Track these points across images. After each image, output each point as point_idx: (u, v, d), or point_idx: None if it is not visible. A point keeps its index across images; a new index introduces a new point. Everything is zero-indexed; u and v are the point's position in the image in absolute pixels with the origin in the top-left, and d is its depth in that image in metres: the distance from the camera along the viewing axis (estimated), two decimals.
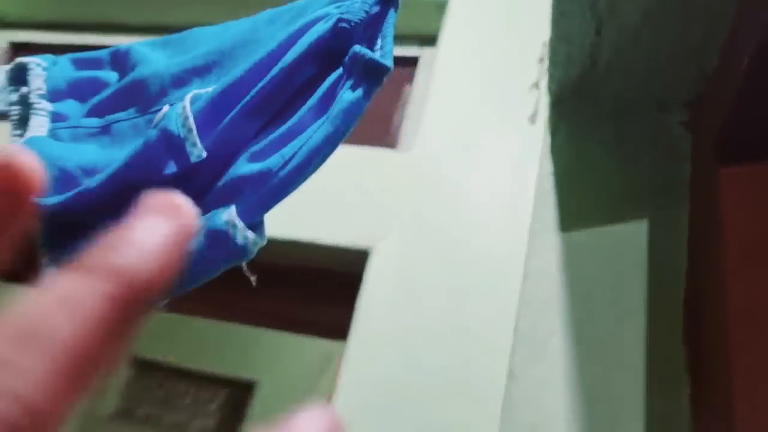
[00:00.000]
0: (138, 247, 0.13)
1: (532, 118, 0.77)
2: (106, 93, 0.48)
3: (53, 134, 0.45)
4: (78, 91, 0.49)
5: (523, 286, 0.68)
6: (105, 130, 0.45)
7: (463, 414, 0.65)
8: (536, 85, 0.78)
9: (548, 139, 0.76)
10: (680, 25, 0.63)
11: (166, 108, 0.40)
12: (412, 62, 0.96)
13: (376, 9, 0.42)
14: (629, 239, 0.68)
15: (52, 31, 1.15)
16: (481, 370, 0.66)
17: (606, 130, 0.73)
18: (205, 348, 2.14)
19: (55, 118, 0.47)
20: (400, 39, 0.53)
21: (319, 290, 0.89)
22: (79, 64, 0.51)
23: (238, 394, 2.41)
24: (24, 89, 0.49)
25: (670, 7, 0.61)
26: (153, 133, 0.38)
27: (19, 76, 0.50)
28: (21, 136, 0.45)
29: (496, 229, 0.74)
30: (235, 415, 2.41)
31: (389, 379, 0.68)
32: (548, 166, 0.74)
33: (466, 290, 0.71)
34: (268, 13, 0.47)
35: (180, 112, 0.39)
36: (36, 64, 0.50)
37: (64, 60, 0.52)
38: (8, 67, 0.51)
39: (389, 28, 0.43)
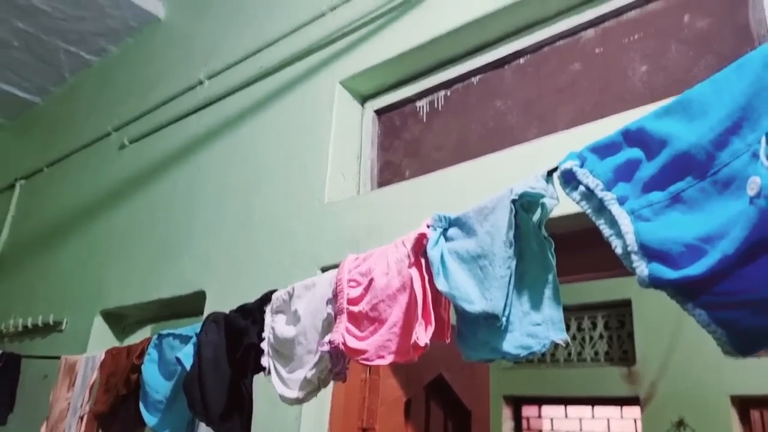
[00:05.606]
0: None
1: None
2: (647, 170, 0.62)
3: (638, 216, 0.61)
4: (620, 174, 0.64)
5: None
6: (675, 199, 0.59)
7: None
8: None
9: None
10: None
11: (757, 179, 0.52)
12: None
13: None
14: None
15: (399, 88, 1.38)
16: None
17: None
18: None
19: (620, 201, 0.63)
20: None
21: None
22: (599, 152, 0.66)
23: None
24: (581, 188, 0.66)
25: None
26: (762, 201, 0.51)
27: (565, 178, 0.67)
28: (609, 225, 0.62)
29: None
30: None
31: None
32: None
33: None
34: (755, 58, 0.56)
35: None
36: (575, 165, 0.66)
37: (585, 152, 0.67)
38: (557, 173, 0.68)
39: None
